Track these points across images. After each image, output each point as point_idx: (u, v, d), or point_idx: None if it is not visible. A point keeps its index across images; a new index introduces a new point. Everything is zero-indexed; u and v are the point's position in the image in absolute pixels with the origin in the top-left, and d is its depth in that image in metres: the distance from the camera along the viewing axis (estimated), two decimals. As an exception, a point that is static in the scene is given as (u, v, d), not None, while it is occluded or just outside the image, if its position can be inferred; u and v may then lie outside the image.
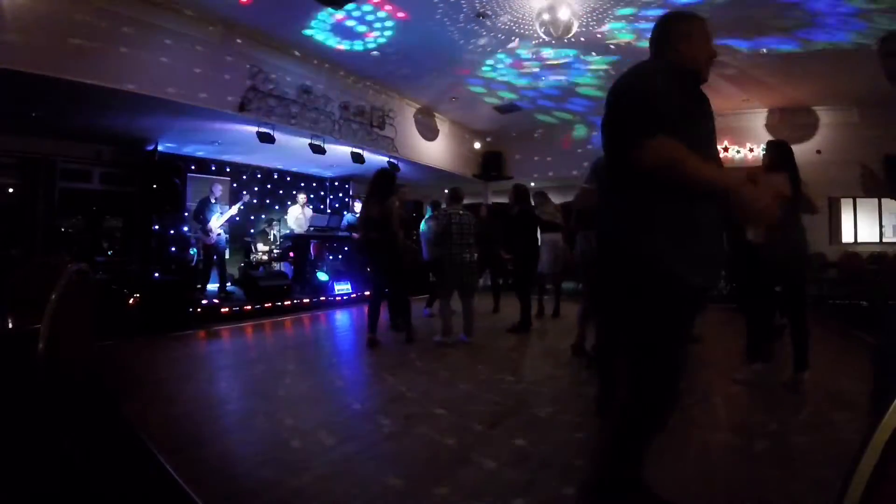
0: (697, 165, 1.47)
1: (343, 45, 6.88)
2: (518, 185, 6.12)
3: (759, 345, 3.79)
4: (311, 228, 8.40)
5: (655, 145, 1.46)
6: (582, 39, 6.62)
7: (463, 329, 5.10)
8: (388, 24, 6.26)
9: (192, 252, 7.76)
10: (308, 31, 6.50)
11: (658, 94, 1.52)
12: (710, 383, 3.65)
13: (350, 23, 6.23)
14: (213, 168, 9.00)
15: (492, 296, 7.47)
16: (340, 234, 8.73)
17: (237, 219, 8.02)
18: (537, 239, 6.22)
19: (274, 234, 8.79)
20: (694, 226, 1.56)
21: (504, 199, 13.09)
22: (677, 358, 1.65)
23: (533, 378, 3.87)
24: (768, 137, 9.35)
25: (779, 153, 3.43)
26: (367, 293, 5.14)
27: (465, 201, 5.70)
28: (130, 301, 5.45)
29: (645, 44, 1.89)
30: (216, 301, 6.74)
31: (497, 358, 4.50)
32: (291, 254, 8.56)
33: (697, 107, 1.65)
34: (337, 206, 11.31)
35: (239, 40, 6.40)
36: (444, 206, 5.47)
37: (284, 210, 9.34)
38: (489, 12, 5.96)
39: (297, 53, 7.10)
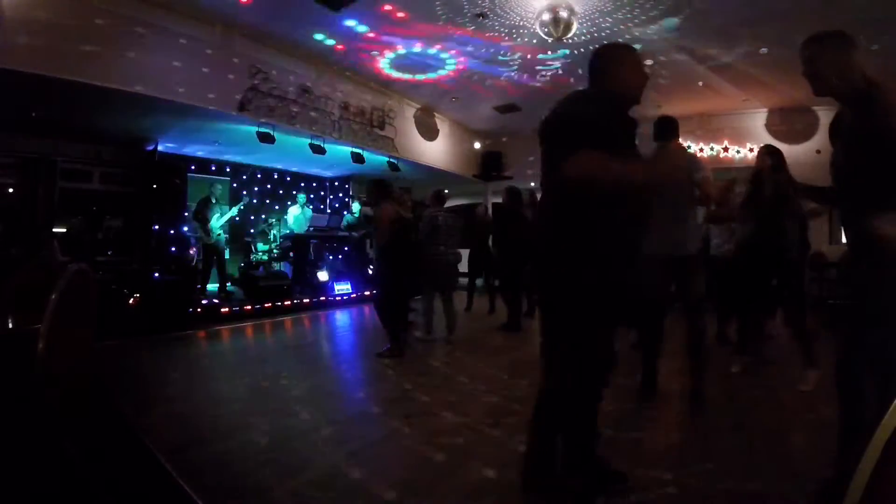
0: (617, 167, 1.67)
1: (343, 45, 6.88)
2: (511, 186, 6.18)
3: (746, 338, 3.97)
4: (311, 228, 8.40)
5: (580, 157, 1.66)
6: (582, 38, 6.62)
7: (446, 327, 5.17)
8: (388, 23, 6.27)
9: (192, 252, 7.76)
10: (308, 31, 6.51)
11: (585, 117, 1.76)
12: (712, 383, 3.65)
13: (350, 22, 6.23)
14: (213, 168, 9.00)
15: (487, 296, 7.48)
16: (340, 234, 8.72)
17: (237, 219, 8.02)
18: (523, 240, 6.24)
19: (274, 234, 8.79)
20: (612, 233, 1.77)
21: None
22: (595, 350, 1.82)
23: (531, 379, 3.87)
24: (768, 137, 9.37)
25: (774, 159, 3.58)
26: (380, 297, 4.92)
27: (466, 202, 5.75)
28: (130, 301, 5.45)
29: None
30: (216, 301, 6.74)
31: (495, 357, 4.50)
32: (291, 254, 8.56)
33: (623, 129, 1.86)
34: (337, 206, 11.31)
35: (239, 40, 6.40)
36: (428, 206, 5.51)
37: (284, 210, 9.34)
38: (488, 12, 5.95)
39: (297, 53, 7.10)
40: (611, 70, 1.92)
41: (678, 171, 1.78)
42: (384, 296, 4.73)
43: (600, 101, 1.85)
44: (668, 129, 3.33)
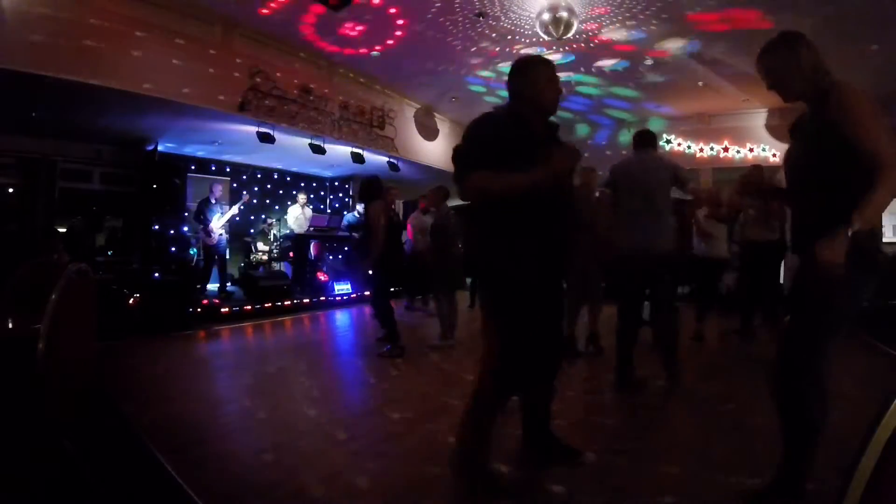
0: (505, 182, 1.87)
1: (342, 45, 6.88)
2: None
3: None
4: (311, 228, 8.40)
5: (471, 180, 1.92)
6: (582, 39, 6.62)
7: (449, 326, 5.06)
8: (388, 23, 6.26)
9: (192, 252, 7.76)
10: (308, 31, 6.51)
11: (483, 139, 1.96)
12: (710, 381, 3.65)
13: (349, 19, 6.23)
14: (213, 168, 9.00)
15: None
16: (340, 234, 8.72)
17: (237, 219, 8.02)
18: None
19: (274, 234, 8.79)
20: (520, 235, 1.94)
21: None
22: (515, 337, 1.97)
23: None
24: (768, 137, 9.37)
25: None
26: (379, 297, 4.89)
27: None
28: (130, 301, 5.45)
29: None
30: (216, 301, 6.74)
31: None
32: (291, 254, 8.56)
33: (529, 142, 1.97)
34: (337, 206, 11.30)
35: (239, 40, 6.40)
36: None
37: (284, 210, 9.34)
38: (488, 12, 5.95)
39: (297, 53, 7.10)
40: (521, 85, 2.05)
41: (563, 174, 1.98)
42: (383, 297, 4.73)
43: (500, 121, 2.04)
44: (645, 140, 3.55)
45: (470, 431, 2.01)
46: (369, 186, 4.80)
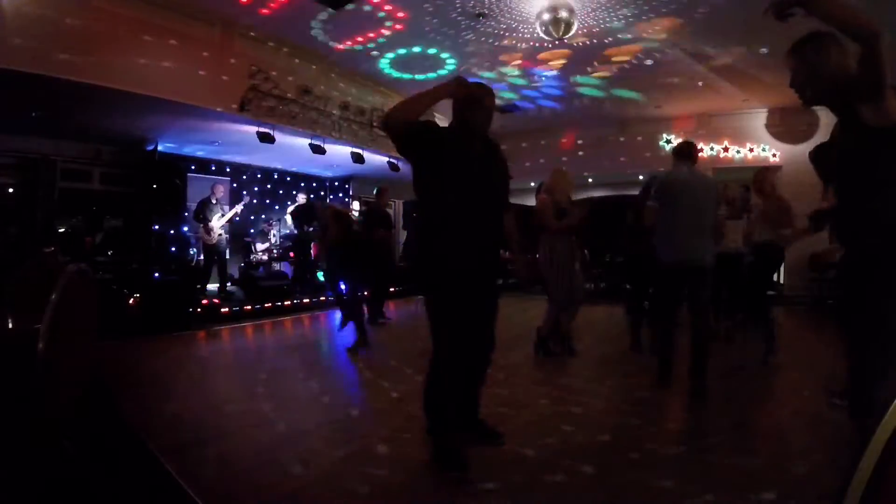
0: (406, 101, 2.25)
1: (343, 45, 6.89)
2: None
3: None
4: (311, 229, 8.41)
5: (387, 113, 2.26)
6: (582, 40, 6.62)
7: None
8: (388, 23, 6.27)
9: (192, 252, 7.75)
10: (308, 31, 6.51)
11: (430, 127, 2.35)
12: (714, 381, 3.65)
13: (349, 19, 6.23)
14: (213, 168, 9.00)
15: None
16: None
17: (237, 219, 8.02)
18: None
19: (273, 234, 8.79)
20: (451, 227, 2.21)
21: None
22: (450, 326, 2.22)
23: (533, 378, 3.87)
24: (768, 137, 9.38)
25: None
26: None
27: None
28: (130, 301, 5.45)
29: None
30: (216, 301, 6.74)
31: (505, 354, 4.48)
32: (291, 254, 8.56)
33: (473, 155, 2.28)
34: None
35: (239, 40, 6.40)
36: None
37: (284, 210, 9.34)
38: (488, 12, 5.96)
39: (297, 53, 7.10)
40: (457, 106, 2.32)
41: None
42: (350, 290, 4.92)
43: (443, 132, 2.35)
44: (687, 153, 3.56)
45: (429, 409, 2.30)
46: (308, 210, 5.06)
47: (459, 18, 6.11)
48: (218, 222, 7.29)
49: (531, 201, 6.50)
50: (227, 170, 9.20)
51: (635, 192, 6.82)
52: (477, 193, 2.24)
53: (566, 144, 10.82)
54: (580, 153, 10.72)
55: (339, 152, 7.97)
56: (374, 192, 6.97)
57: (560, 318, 4.42)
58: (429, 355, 2.33)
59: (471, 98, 2.29)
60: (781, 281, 8.61)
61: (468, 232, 2.23)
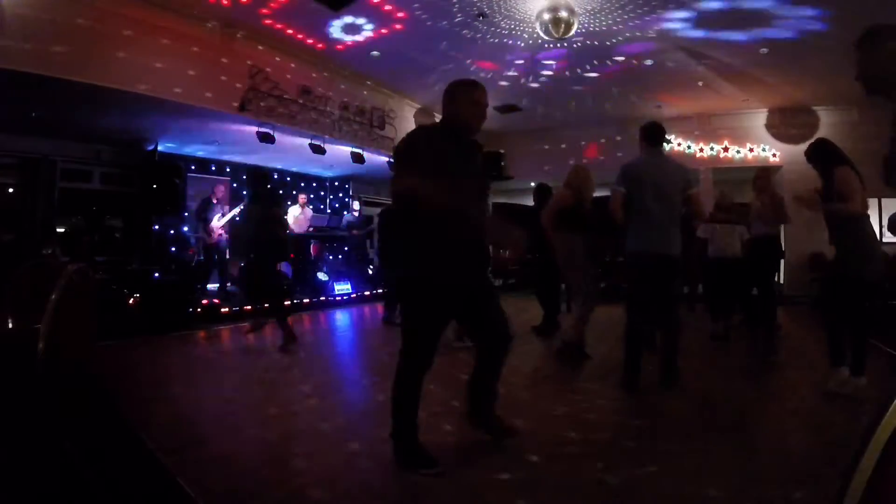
0: (428, 191, 2.09)
1: (343, 45, 6.89)
2: (541, 184, 6.12)
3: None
4: (311, 228, 8.40)
5: (399, 179, 2.18)
6: (582, 39, 6.62)
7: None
8: (388, 23, 6.27)
9: (192, 252, 7.75)
10: (308, 31, 6.51)
11: (411, 148, 2.22)
12: (714, 380, 3.65)
13: (350, 19, 6.23)
14: (213, 168, 9.00)
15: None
16: (340, 234, 8.72)
17: (237, 219, 8.02)
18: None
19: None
20: (440, 242, 2.18)
21: (505, 199, 12.98)
22: (428, 329, 2.25)
23: (529, 376, 3.87)
24: (768, 137, 9.38)
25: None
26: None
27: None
28: (130, 301, 5.45)
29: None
30: (216, 301, 6.74)
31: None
32: (291, 254, 8.56)
33: (460, 153, 2.29)
34: (337, 206, 11.31)
35: (239, 40, 6.40)
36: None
37: (284, 210, 9.33)
38: (489, 12, 5.96)
39: (297, 53, 7.10)
40: (448, 104, 2.33)
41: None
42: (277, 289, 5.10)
43: (430, 134, 2.35)
44: (658, 136, 3.51)
45: (394, 409, 2.31)
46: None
47: (460, 18, 6.10)
48: (218, 222, 7.29)
49: (529, 201, 6.50)
50: (227, 170, 9.20)
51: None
52: (466, 191, 2.25)
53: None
54: (579, 153, 10.72)
55: (339, 152, 7.97)
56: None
57: (581, 320, 4.23)
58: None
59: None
60: (781, 281, 8.61)
61: (461, 231, 2.23)
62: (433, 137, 2.31)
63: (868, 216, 3.26)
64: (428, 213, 2.16)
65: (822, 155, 3.39)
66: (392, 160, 2.31)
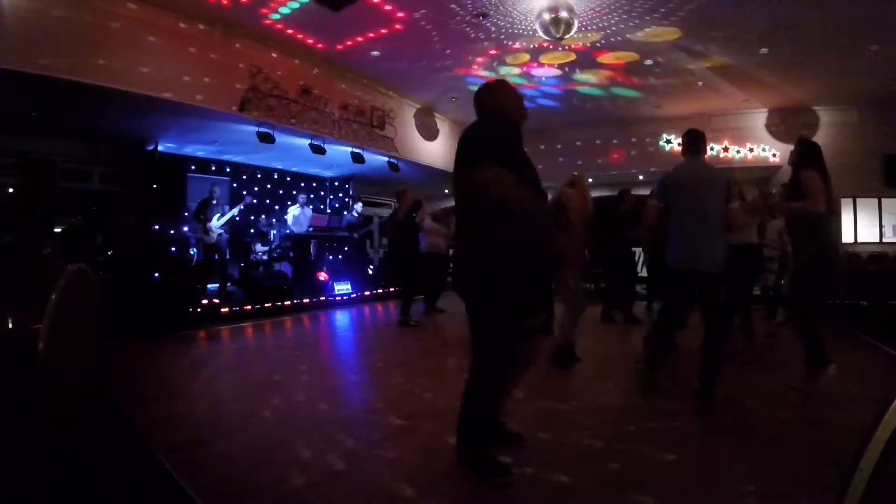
0: (509, 185, 2.01)
1: (343, 45, 6.89)
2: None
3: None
4: (311, 228, 8.40)
5: (484, 168, 2.03)
6: (582, 39, 6.62)
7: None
8: (389, 23, 6.27)
9: (192, 252, 7.75)
10: (309, 31, 6.51)
11: (488, 138, 2.15)
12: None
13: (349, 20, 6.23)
14: (213, 168, 9.00)
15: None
16: (340, 234, 8.72)
17: (237, 219, 8.03)
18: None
19: (273, 234, 8.78)
20: (516, 247, 2.07)
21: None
22: (504, 343, 2.14)
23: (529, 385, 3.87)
24: (768, 137, 9.38)
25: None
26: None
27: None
28: (130, 301, 5.45)
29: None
30: (216, 301, 6.74)
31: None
32: (291, 254, 8.56)
33: (516, 145, 2.26)
34: (337, 206, 11.31)
35: (239, 40, 6.40)
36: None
37: (284, 210, 9.34)
38: (489, 12, 5.96)
39: (297, 53, 7.10)
40: (490, 101, 2.34)
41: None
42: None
43: (498, 126, 2.25)
44: (698, 143, 3.36)
45: (472, 423, 2.18)
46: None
47: (460, 18, 6.10)
48: (217, 222, 7.29)
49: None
50: (227, 170, 9.21)
51: (635, 192, 6.83)
52: (539, 184, 2.25)
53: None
54: (580, 153, 10.72)
55: (339, 152, 7.97)
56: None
57: (573, 322, 4.20)
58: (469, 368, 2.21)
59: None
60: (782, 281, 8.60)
61: (543, 224, 2.23)
62: (505, 129, 2.24)
63: (830, 214, 3.33)
64: (520, 208, 2.07)
65: (800, 155, 3.48)
66: (470, 149, 2.12)
